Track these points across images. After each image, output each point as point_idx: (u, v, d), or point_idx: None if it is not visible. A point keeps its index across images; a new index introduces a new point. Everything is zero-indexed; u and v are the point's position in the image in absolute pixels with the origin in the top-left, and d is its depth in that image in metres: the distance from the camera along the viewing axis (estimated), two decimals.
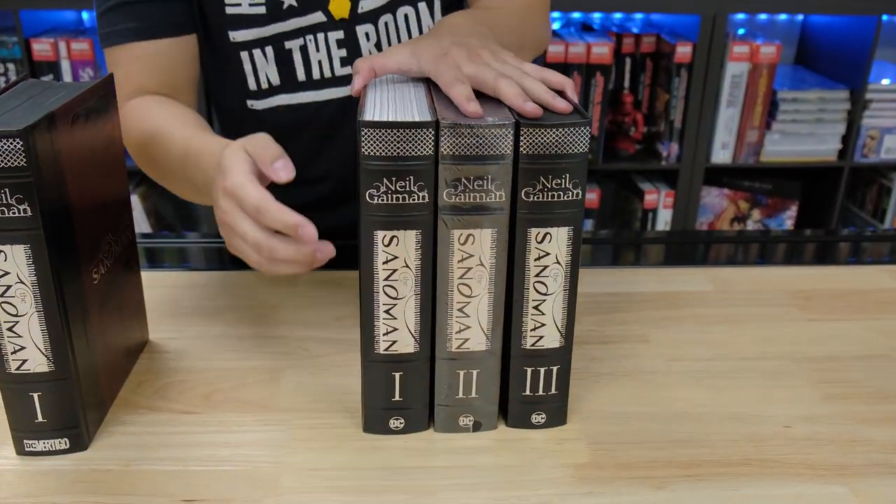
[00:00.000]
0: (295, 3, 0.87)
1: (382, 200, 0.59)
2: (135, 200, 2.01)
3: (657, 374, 0.78)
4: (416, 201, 0.60)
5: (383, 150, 0.58)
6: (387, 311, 0.63)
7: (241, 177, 0.62)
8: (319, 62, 0.92)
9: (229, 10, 0.87)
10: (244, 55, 0.90)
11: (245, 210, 0.62)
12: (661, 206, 2.08)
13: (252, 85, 0.93)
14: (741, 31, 2.07)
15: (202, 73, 0.96)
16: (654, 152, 2.05)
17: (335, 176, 1.01)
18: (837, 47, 2.09)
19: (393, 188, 0.59)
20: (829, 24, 2.11)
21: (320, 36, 0.90)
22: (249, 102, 0.94)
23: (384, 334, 0.64)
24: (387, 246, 0.61)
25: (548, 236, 0.62)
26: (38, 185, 0.57)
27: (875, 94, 2.02)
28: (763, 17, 2.18)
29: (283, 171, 0.62)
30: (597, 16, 2.14)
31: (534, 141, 0.59)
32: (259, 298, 0.90)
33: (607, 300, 0.92)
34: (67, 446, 0.65)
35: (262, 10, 0.87)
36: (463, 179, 0.59)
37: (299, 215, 0.60)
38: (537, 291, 0.64)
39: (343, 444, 0.67)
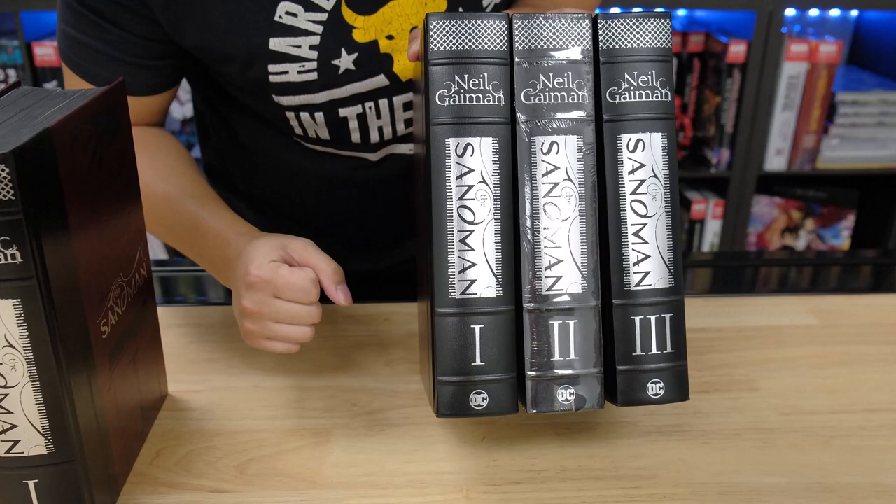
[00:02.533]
0: (353, 67, 0.72)
1: (454, 102, 0.53)
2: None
3: (776, 432, 0.65)
4: (491, 103, 0.54)
5: (453, 44, 0.53)
6: (462, 241, 0.53)
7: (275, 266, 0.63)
8: (380, 128, 0.77)
9: (274, 79, 0.71)
10: (290, 115, 0.75)
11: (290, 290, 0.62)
12: (709, 216, 1.94)
13: (298, 133, 0.78)
14: (796, 29, 1.94)
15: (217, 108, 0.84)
16: (703, 159, 1.91)
17: (382, 228, 0.88)
18: None
19: (466, 86, 0.53)
20: (887, 20, 1.98)
21: (383, 102, 0.75)
22: (295, 139, 0.80)
23: (460, 272, 0.53)
24: (460, 157, 0.53)
25: (640, 143, 0.55)
26: (31, 223, 0.45)
27: None
28: (815, 14, 2.04)
29: (345, 295, 0.64)
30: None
31: (612, 34, 0.55)
32: None
33: (697, 337, 0.79)
34: None
35: (313, 76, 0.72)
36: (541, 76, 0.54)
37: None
38: (636, 213, 0.55)
39: None
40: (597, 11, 0.56)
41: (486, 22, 0.54)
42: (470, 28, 0.53)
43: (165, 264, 1.00)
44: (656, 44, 0.55)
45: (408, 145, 0.80)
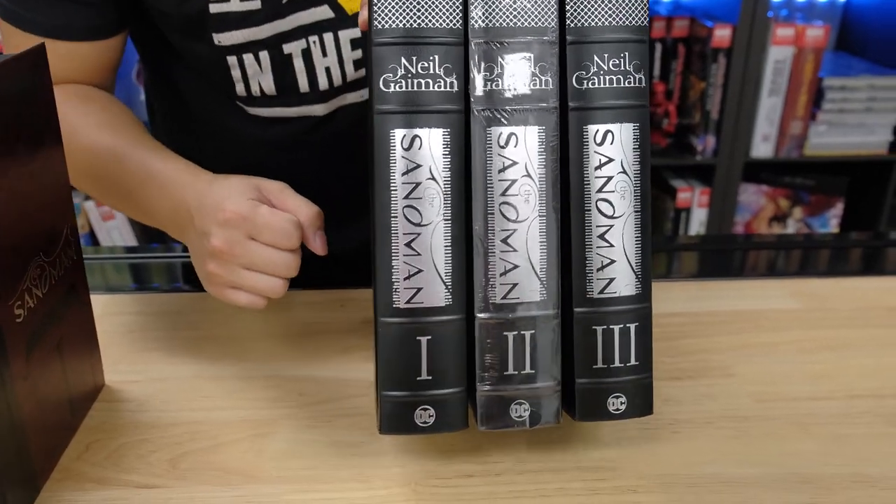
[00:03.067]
0: None
1: (400, 87, 0.47)
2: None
3: (753, 420, 0.61)
4: (442, 89, 0.48)
5: (401, 22, 0.47)
6: (409, 245, 0.48)
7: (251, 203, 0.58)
8: (328, 69, 0.72)
9: (214, 9, 0.67)
10: (232, 60, 0.71)
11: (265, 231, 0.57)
12: (695, 204, 1.90)
13: (241, 91, 0.74)
14: (783, 13, 1.90)
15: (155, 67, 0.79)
16: (688, 146, 1.87)
17: (346, 192, 0.84)
18: (886, 30, 1.91)
19: (413, 70, 0.47)
20: (875, 5, 1.94)
21: (328, 36, 0.70)
22: (238, 103, 0.76)
23: (405, 279, 0.48)
24: (406, 150, 0.47)
25: (609, 135, 0.49)
26: None
27: None
28: None
29: (322, 243, 0.60)
30: None
31: (582, 10, 0.49)
32: (245, 327, 0.73)
33: (670, 322, 0.75)
34: None
35: (256, 4, 0.67)
36: (499, 59, 0.48)
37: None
38: (602, 213, 0.50)
39: None
40: None
41: None
42: (420, 3, 0.47)
43: (109, 252, 0.96)
44: (631, 21, 0.49)
45: (359, 92, 0.75)
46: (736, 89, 1.77)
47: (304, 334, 0.72)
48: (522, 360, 0.50)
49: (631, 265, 0.50)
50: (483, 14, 0.48)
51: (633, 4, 0.49)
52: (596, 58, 0.49)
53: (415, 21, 0.47)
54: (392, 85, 0.47)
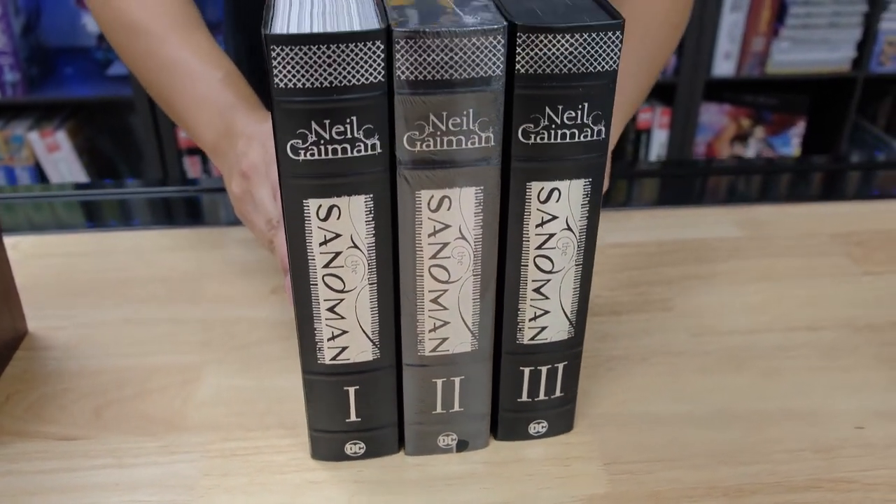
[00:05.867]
0: None
1: (312, 155, 0.40)
2: (62, 137, 1.78)
3: (686, 356, 0.61)
4: (362, 153, 0.41)
5: (308, 80, 0.38)
6: (331, 310, 0.45)
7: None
8: None
9: None
10: None
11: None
12: (656, 125, 1.88)
13: None
14: None
15: None
16: None
17: None
18: None
19: (327, 136, 0.40)
20: None
21: None
22: None
23: (329, 339, 0.46)
24: (323, 220, 0.42)
25: (555, 193, 0.43)
26: None
27: None
28: None
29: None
30: None
31: (538, 54, 0.39)
32: (175, 266, 0.71)
33: (615, 254, 0.74)
34: None
35: None
36: (431, 117, 0.40)
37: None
38: (539, 269, 0.46)
39: (275, 479, 0.49)
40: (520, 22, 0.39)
41: (354, 46, 0.38)
42: (331, 57, 0.38)
43: (88, 187, 0.92)
44: (598, 67, 0.40)
45: None
46: (697, 4, 1.73)
47: (236, 274, 0.70)
48: (451, 400, 0.49)
49: (566, 314, 0.48)
50: (411, 65, 0.38)
51: (602, 44, 0.39)
52: (548, 110, 0.41)
53: (325, 79, 0.38)
54: (302, 153, 0.40)
